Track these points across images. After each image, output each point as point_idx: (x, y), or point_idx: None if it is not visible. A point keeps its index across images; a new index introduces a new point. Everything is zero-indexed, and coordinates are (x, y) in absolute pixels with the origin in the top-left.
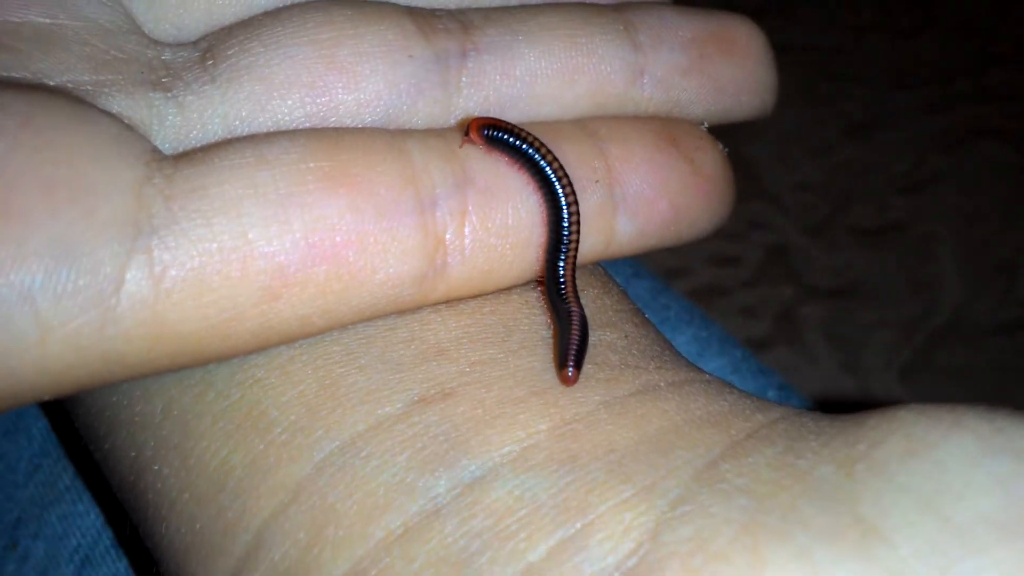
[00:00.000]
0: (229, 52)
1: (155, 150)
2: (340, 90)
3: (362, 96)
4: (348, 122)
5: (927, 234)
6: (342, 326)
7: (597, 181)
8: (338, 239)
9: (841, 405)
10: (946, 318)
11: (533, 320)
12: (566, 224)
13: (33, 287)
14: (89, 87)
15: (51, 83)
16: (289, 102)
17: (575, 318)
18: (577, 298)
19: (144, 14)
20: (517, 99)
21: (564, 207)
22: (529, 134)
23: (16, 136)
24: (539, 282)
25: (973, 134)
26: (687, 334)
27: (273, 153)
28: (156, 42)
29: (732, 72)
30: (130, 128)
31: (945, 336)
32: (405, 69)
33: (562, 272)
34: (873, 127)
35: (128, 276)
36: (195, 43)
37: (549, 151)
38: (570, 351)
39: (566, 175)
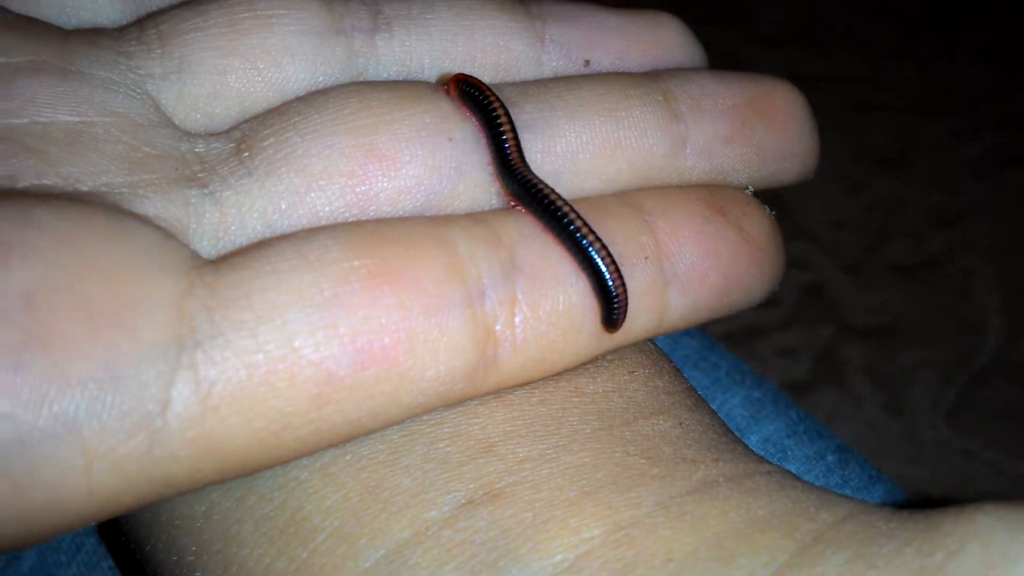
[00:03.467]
0: (265, 143)
1: (195, 256)
2: (380, 178)
3: (402, 183)
4: (388, 210)
5: (966, 269)
6: (392, 426)
7: (647, 258)
8: (387, 340)
9: (889, 449)
10: (990, 355)
11: (583, 409)
12: (504, 140)
13: (78, 416)
14: (124, 190)
15: (84, 188)
16: (328, 193)
17: (602, 256)
18: (591, 229)
19: (174, 105)
20: (559, 175)
21: (501, 132)
22: (497, 98)
23: (52, 257)
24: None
25: (1003, 162)
26: (739, 395)
27: (315, 253)
28: (188, 134)
29: (774, 139)
30: (168, 235)
31: (990, 374)
32: (445, 152)
33: (548, 194)
34: (903, 158)
35: (174, 394)
36: (228, 133)
37: (506, 110)
38: (612, 304)
39: (510, 120)
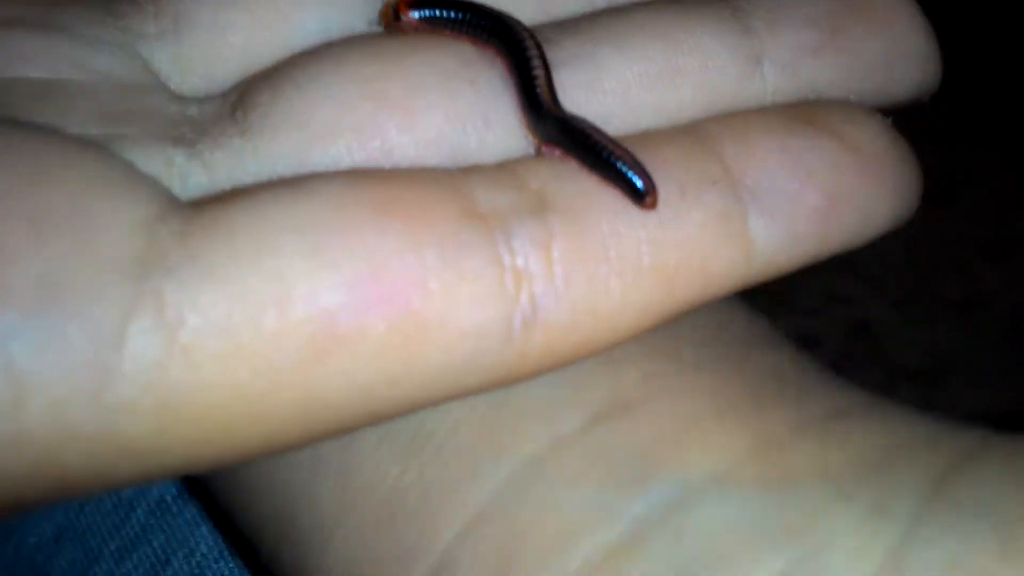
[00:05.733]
0: (260, 99)
1: (172, 195)
2: (393, 131)
3: (420, 135)
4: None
5: (1019, 305)
6: (416, 405)
7: (715, 183)
8: (397, 280)
9: None
10: None
11: (698, 338)
12: (525, 48)
13: (6, 335)
14: (97, 141)
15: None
16: (333, 151)
17: (595, 134)
18: (599, 130)
19: (168, 68)
20: (610, 115)
21: (518, 39)
22: (502, 15)
23: (9, 168)
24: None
25: None
26: None
27: (314, 184)
28: (181, 97)
29: (878, 43)
30: (145, 175)
31: None
32: (468, 99)
33: (568, 119)
34: (950, 189)
35: (133, 328)
36: (224, 95)
37: (523, 30)
38: (631, 167)
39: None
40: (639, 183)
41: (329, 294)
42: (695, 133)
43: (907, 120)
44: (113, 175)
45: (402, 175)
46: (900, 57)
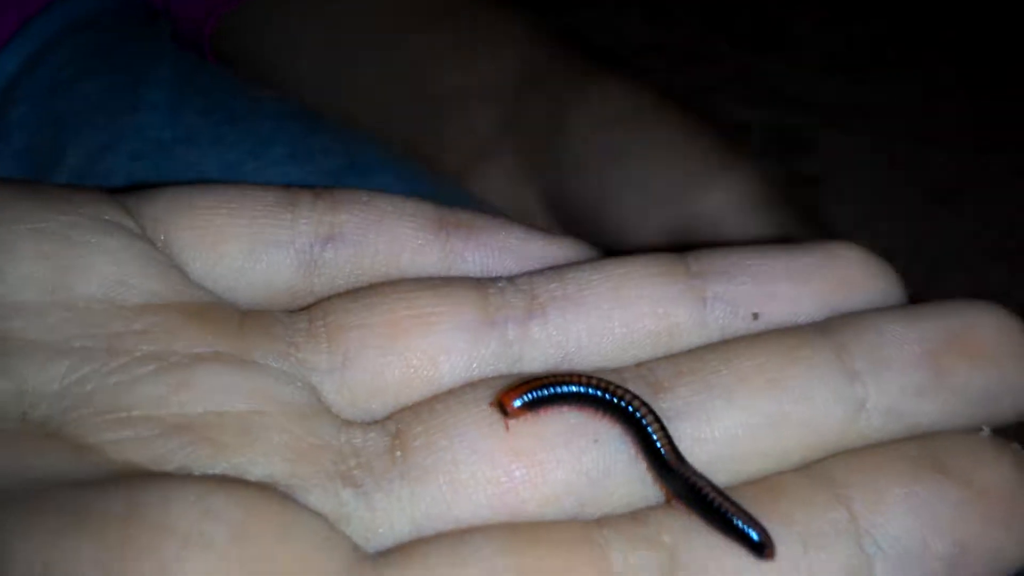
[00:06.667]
0: (415, 443)
1: (356, 549)
2: (526, 484)
3: (549, 490)
4: (537, 515)
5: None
6: None
7: (839, 534)
8: None
9: None
10: None
11: None
12: (651, 432)
13: None
14: (288, 480)
15: (252, 478)
16: (475, 500)
17: (711, 491)
18: (715, 487)
19: (333, 397)
20: (716, 461)
21: (643, 424)
22: (563, 375)
23: (226, 551)
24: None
25: None
26: None
27: (468, 551)
28: (346, 423)
29: (982, 379)
30: (333, 529)
31: None
32: (592, 455)
33: (695, 480)
34: (957, 192)
35: None
36: (383, 424)
37: (588, 377)
38: (747, 522)
39: (628, 392)
40: (755, 536)
41: None
42: (822, 478)
43: (919, 123)
44: (311, 542)
45: (546, 538)
46: (1007, 390)
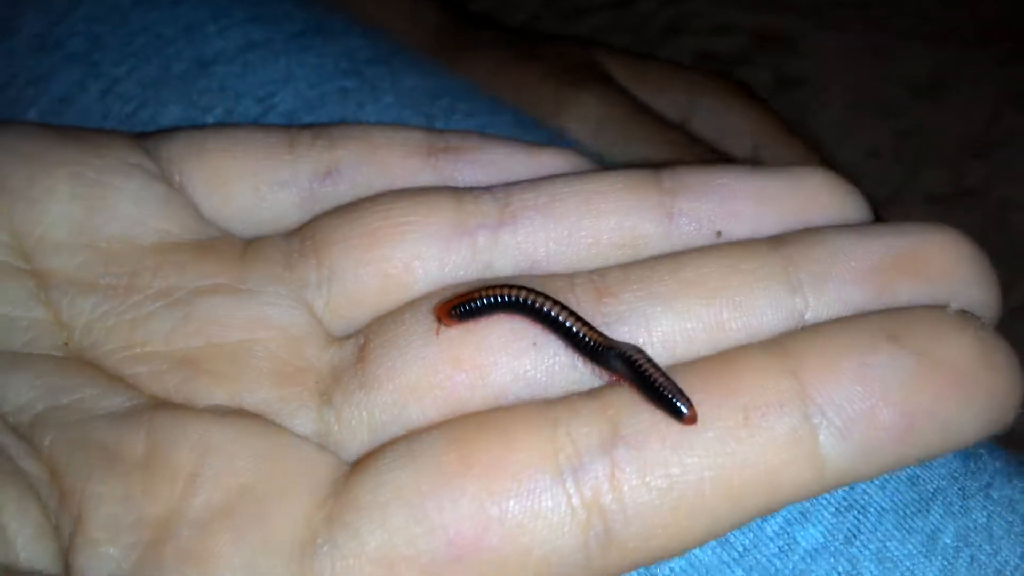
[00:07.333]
0: (372, 355)
1: (339, 465)
2: (466, 388)
3: (489, 392)
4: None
5: (1004, 199)
6: None
7: (783, 405)
8: (474, 528)
9: None
10: None
11: None
12: (555, 316)
13: None
14: (277, 405)
15: (247, 405)
16: (423, 405)
17: (638, 357)
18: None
19: (322, 311)
20: (657, 358)
21: (551, 313)
22: (487, 287)
23: (225, 483)
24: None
25: None
26: None
27: (419, 449)
28: (330, 340)
29: (927, 300)
30: (320, 448)
31: None
32: (530, 358)
33: (582, 332)
34: (940, 86)
35: None
36: (356, 337)
37: (545, 296)
38: (670, 391)
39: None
40: (672, 399)
41: (426, 552)
42: (778, 351)
43: (900, 17)
44: (296, 472)
45: (497, 425)
46: (953, 304)
